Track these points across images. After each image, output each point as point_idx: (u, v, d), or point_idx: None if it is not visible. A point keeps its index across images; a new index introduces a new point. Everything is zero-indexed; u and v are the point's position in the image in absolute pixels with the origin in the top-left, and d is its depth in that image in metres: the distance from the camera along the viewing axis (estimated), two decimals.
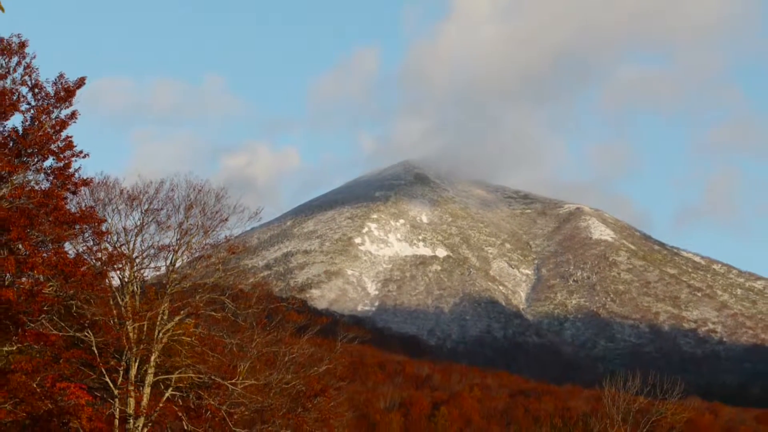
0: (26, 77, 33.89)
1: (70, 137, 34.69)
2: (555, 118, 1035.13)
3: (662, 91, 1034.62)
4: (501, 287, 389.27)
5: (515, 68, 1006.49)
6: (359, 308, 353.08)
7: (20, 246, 32.49)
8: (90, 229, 36.26)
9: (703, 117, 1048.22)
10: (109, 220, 37.23)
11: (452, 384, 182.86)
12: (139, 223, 37.98)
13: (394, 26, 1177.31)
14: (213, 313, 39.13)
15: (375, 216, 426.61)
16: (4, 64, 33.51)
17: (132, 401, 36.36)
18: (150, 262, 39.09)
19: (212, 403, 38.38)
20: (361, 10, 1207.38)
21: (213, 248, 39.79)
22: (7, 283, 33.23)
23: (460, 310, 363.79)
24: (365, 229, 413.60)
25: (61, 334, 34.72)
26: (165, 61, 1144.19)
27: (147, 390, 37.16)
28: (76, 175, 34.99)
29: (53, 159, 34.65)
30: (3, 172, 32.85)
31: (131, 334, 36.36)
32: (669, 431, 65.90)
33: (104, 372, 36.01)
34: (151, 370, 37.31)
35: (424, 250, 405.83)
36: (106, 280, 37.59)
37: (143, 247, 38.37)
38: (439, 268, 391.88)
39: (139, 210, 37.91)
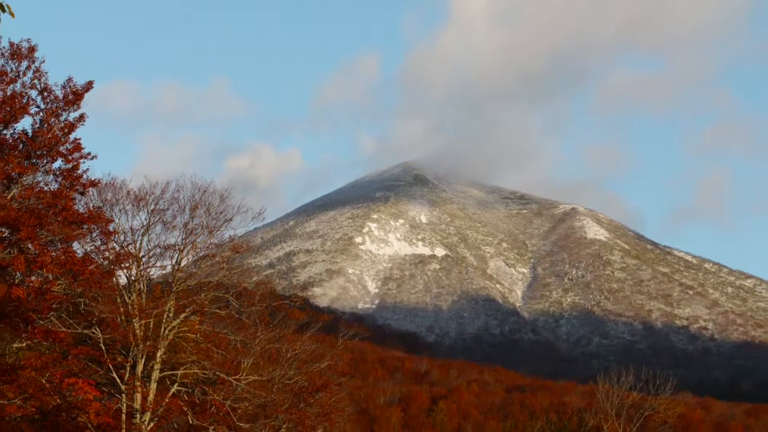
0: (36, 81, 33.91)
1: (79, 139, 34.74)
2: (551, 120, 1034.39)
3: (655, 93, 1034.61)
4: (498, 285, 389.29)
5: (512, 71, 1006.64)
6: (360, 306, 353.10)
7: (30, 245, 32.51)
8: (98, 229, 36.27)
9: (695, 118, 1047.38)
10: (117, 220, 37.23)
11: (450, 379, 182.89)
12: (145, 223, 37.97)
13: (394, 31, 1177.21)
14: (217, 310, 39.13)
15: (375, 216, 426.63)
16: (14, 68, 33.52)
17: (138, 396, 36.36)
18: (156, 261, 39.10)
19: (217, 398, 38.38)
20: (363, 15, 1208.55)
21: (217, 247, 39.78)
22: (17, 281, 33.24)
23: (458, 307, 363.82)
24: (366, 229, 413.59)
25: (69, 331, 34.74)
26: (171, 64, 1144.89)
27: (153, 385, 37.17)
28: (84, 176, 35.03)
29: (62, 161, 34.68)
30: (13, 174, 32.86)
31: (138, 331, 36.36)
32: (661, 426, 65.95)
33: (111, 368, 36.01)
34: (157, 366, 37.31)
35: (423, 250, 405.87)
36: (114, 279, 37.61)
37: (149, 247, 38.37)
38: (437, 266, 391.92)
39: (146, 210, 37.91)
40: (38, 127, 34.13)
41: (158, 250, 38.57)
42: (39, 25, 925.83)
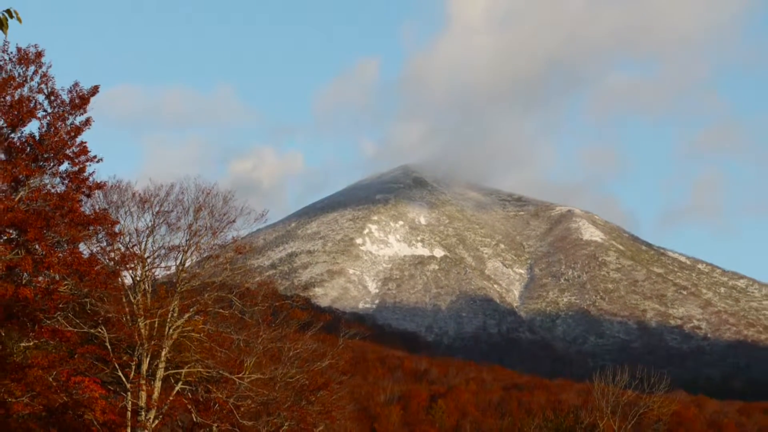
0: (43, 85, 33.93)
1: (85, 143, 34.75)
2: (547, 123, 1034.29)
3: (649, 96, 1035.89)
4: (496, 286, 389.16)
5: (509, 75, 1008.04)
6: (360, 306, 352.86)
7: (37, 246, 32.51)
8: (103, 231, 36.27)
9: (688, 121, 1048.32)
10: (122, 222, 37.23)
11: (449, 378, 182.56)
12: (150, 225, 37.96)
13: (394, 37, 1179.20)
14: (221, 310, 39.12)
15: (375, 218, 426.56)
16: (21, 73, 33.53)
17: (144, 394, 36.34)
18: (161, 262, 39.09)
19: (220, 396, 38.38)
20: (363, 20, 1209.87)
21: (221, 248, 39.77)
22: (24, 281, 33.25)
23: (457, 307, 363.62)
24: (366, 231, 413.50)
25: (76, 330, 34.73)
26: (176, 69, 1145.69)
27: (158, 384, 37.15)
28: (91, 178, 35.05)
29: (68, 163, 34.68)
30: (21, 176, 32.87)
31: (143, 331, 36.35)
32: (656, 423, 65.90)
33: (117, 367, 36.00)
34: (161, 365, 37.30)
35: (422, 251, 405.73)
36: (119, 279, 37.60)
37: (154, 248, 38.36)
38: (436, 267, 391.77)
39: (151, 212, 37.89)
40: (45, 131, 34.16)
41: (163, 251, 38.59)
42: (46, 30, 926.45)
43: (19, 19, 12.28)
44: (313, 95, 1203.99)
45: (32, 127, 34.35)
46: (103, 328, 35.64)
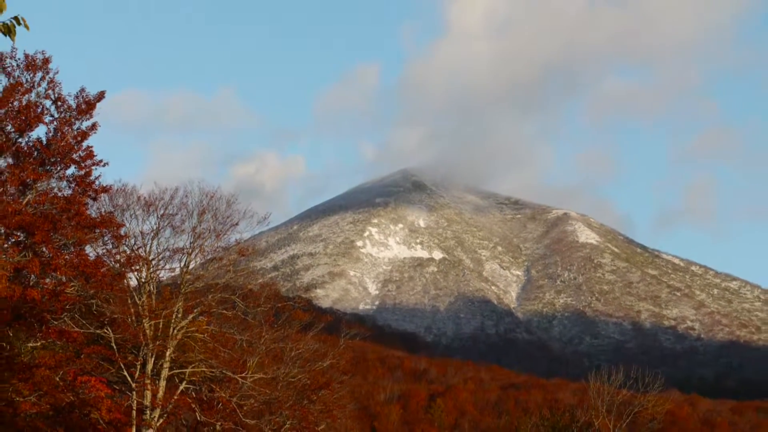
0: (50, 91, 33.93)
1: (91, 147, 34.75)
2: (544, 127, 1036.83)
3: (645, 101, 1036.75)
4: (493, 287, 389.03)
5: (507, 80, 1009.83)
6: (361, 307, 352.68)
7: (44, 249, 32.51)
8: (109, 233, 36.27)
9: (683, 126, 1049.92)
10: (127, 225, 37.23)
11: (448, 378, 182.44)
12: (155, 228, 37.94)
13: (394, 42, 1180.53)
14: (224, 311, 39.10)
15: (375, 221, 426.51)
16: (29, 79, 33.54)
17: (149, 394, 36.31)
18: (165, 264, 39.06)
19: (223, 395, 38.35)
20: (364, 27, 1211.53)
21: (224, 251, 39.75)
22: (32, 283, 33.23)
23: (455, 308, 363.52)
24: (366, 233, 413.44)
25: (82, 331, 34.70)
26: (179, 74, 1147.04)
27: (162, 383, 37.13)
28: (97, 182, 35.05)
29: (75, 167, 34.68)
30: (28, 180, 32.88)
31: (148, 331, 36.32)
32: (650, 422, 65.85)
33: (123, 366, 35.98)
34: (166, 365, 37.27)
35: (421, 253, 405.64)
36: (125, 281, 37.59)
37: (159, 250, 38.34)
38: (435, 269, 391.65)
39: (155, 215, 37.88)
40: (52, 136, 34.17)
41: (167, 253, 38.56)
42: (53, 37, 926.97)
43: (26, 26, 12.28)
44: (314, 99, 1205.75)
45: (39, 132, 34.40)
46: (108, 328, 35.62)
